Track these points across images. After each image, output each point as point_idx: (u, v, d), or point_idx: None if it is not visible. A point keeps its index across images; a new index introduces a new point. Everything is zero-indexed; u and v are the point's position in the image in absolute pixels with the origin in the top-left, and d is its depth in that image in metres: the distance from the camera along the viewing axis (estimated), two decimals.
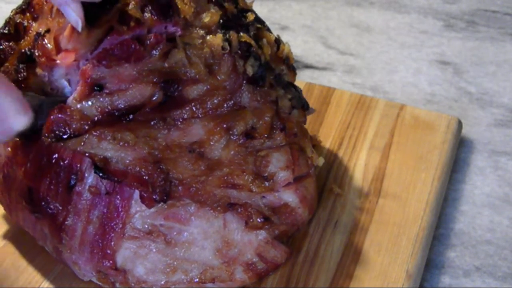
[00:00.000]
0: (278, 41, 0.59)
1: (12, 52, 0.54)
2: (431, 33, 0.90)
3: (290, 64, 0.60)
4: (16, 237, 0.59)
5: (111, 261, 0.52)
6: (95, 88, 0.49)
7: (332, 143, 0.68)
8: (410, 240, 0.58)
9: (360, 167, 0.65)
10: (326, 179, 0.64)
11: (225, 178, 0.53)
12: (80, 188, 0.51)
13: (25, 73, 0.52)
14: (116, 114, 0.49)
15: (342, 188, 0.63)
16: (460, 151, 0.71)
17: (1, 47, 0.54)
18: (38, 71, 0.51)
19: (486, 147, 0.72)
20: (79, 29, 0.48)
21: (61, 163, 0.51)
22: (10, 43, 0.54)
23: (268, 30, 0.60)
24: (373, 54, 0.86)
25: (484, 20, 0.92)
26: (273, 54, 0.58)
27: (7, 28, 0.55)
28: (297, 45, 0.87)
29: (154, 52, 0.49)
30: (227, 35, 0.53)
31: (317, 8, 0.95)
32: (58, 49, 0.50)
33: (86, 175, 0.51)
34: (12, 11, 0.55)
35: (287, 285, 0.55)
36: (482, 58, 0.85)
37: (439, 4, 0.96)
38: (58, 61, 0.50)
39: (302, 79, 0.78)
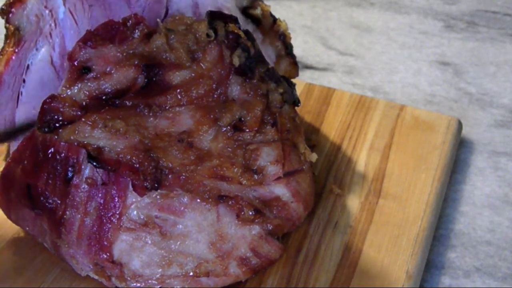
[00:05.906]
0: (273, 16, 0.60)
1: None
2: (431, 34, 0.90)
3: (287, 43, 0.60)
4: (16, 237, 0.59)
5: (108, 253, 0.52)
6: (83, 71, 0.50)
7: (332, 144, 0.68)
8: (410, 240, 0.58)
9: (360, 167, 0.65)
10: (326, 179, 0.64)
11: (215, 169, 0.53)
12: (77, 181, 0.52)
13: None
14: (103, 98, 0.51)
15: (342, 189, 0.63)
16: (460, 152, 0.71)
17: None
18: None
19: (486, 147, 0.72)
20: None
21: (58, 157, 0.52)
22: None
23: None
24: (373, 55, 0.86)
25: (484, 21, 0.92)
26: (268, 26, 0.59)
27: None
28: (297, 45, 0.87)
29: (136, 32, 0.51)
30: (214, 23, 0.53)
31: (317, 8, 0.96)
32: None
33: (83, 167, 0.51)
34: None
35: (287, 285, 0.55)
36: (482, 58, 0.85)
37: (439, 5, 0.96)
38: None
39: (302, 79, 0.78)
